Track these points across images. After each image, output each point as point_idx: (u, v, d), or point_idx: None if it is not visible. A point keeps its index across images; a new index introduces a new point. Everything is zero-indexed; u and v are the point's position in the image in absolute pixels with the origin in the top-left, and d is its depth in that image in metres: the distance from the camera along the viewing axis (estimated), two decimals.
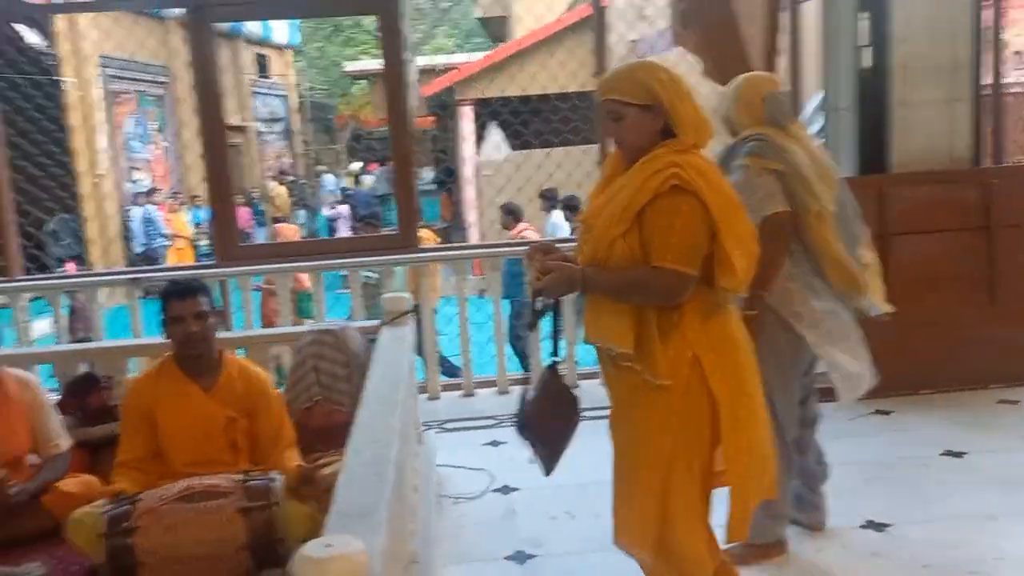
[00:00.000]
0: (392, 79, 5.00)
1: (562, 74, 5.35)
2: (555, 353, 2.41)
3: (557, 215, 8.39)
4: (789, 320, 2.85)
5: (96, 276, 6.25)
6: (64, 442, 3.22)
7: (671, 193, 2.14)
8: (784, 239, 2.81)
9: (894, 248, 4.35)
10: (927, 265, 4.47)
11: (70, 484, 3.06)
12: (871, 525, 3.22)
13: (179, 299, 3.02)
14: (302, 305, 7.36)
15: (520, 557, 3.17)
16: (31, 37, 10.35)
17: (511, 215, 7.91)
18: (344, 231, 14.51)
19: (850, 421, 4.22)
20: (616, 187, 2.27)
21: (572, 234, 6.42)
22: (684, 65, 4.67)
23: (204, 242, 13.93)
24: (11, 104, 5.16)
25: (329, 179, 17.85)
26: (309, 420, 3.46)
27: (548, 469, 2.41)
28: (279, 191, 16.96)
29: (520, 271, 6.30)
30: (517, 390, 2.56)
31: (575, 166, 5.59)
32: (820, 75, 5.02)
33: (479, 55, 16.45)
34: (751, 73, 3.18)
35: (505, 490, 3.74)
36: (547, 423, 2.38)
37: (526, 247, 2.59)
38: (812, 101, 5.24)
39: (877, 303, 2.97)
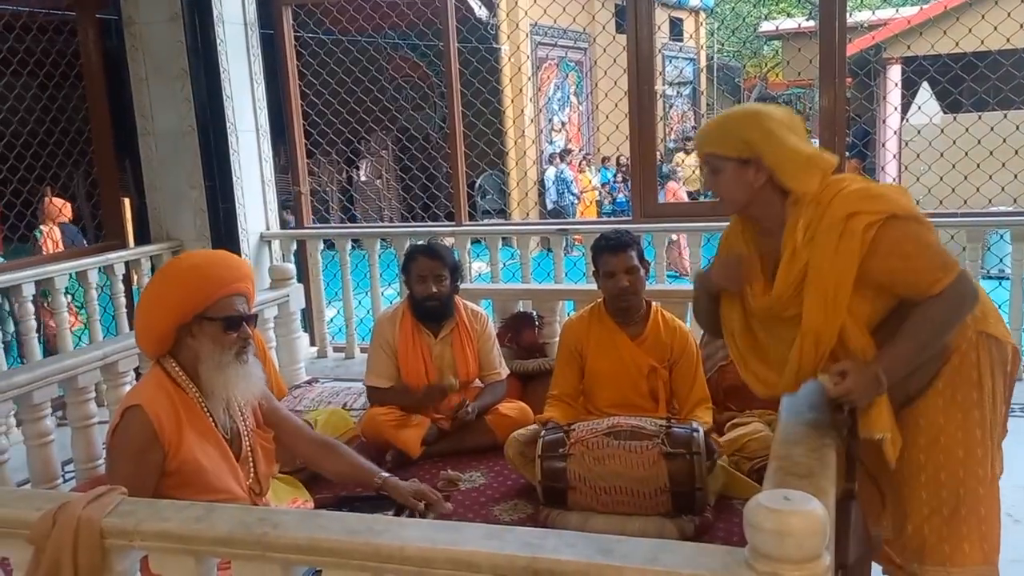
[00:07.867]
0: (827, 35, 4.75)
1: (1008, 27, 4.65)
2: (851, 479, 1.93)
3: None
4: None
5: (529, 225, 6.86)
6: (503, 371, 3.62)
7: (877, 237, 1.90)
8: None
9: None
10: None
11: (508, 408, 3.44)
12: None
13: (612, 254, 3.13)
14: None
15: None
16: (479, 11, 11.58)
17: None
18: None
19: None
20: (791, 273, 1.97)
21: None
22: None
23: (607, 201, 14.59)
24: (464, 69, 5.79)
25: None
26: (722, 379, 3.47)
27: None
28: (680, 154, 17.12)
29: None
30: None
31: (1012, 130, 4.85)
32: None
33: (911, 10, 14.94)
34: None
35: None
36: None
37: None
38: None
39: None
